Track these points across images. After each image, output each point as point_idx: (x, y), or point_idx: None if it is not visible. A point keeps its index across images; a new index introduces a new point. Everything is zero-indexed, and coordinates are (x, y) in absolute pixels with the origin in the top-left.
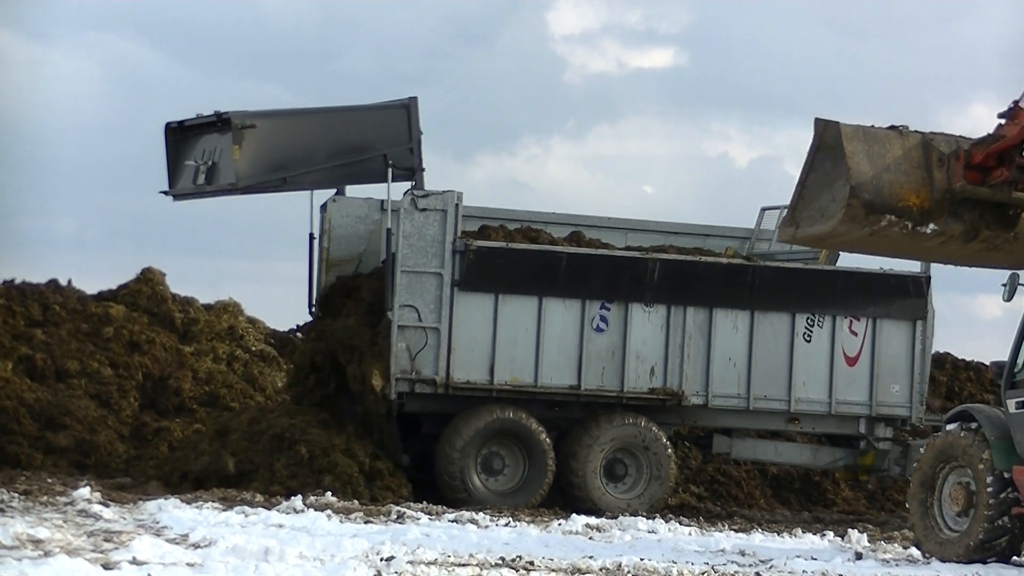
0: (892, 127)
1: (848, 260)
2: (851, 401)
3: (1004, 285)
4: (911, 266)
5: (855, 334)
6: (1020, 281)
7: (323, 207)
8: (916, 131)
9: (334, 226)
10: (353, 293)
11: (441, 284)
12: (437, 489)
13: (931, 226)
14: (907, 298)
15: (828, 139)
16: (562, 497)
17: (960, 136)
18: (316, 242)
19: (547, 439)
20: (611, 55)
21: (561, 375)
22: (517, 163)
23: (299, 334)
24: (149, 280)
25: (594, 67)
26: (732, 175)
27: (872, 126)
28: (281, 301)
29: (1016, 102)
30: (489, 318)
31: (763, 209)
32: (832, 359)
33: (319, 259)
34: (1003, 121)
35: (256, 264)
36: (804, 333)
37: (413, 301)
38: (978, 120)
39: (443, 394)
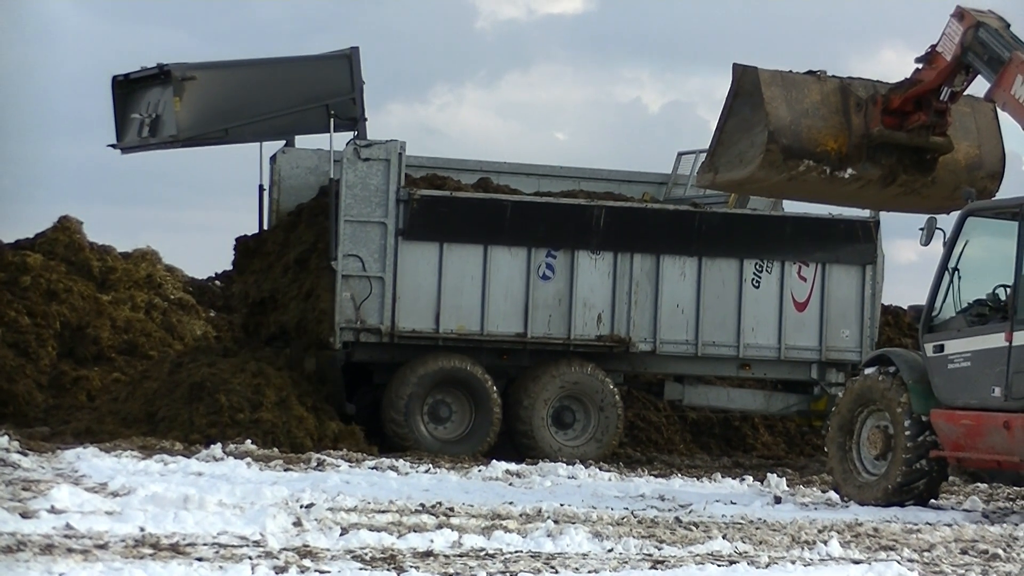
0: (810, 72)
1: (796, 206)
2: (801, 346)
3: (922, 229)
4: (860, 211)
5: (804, 279)
6: (937, 225)
7: (272, 158)
8: (834, 76)
9: (284, 177)
10: (259, 248)
11: (385, 233)
12: (385, 438)
13: (849, 171)
14: (856, 243)
15: (746, 84)
16: (510, 445)
17: (878, 81)
18: (266, 194)
19: (494, 387)
20: (521, 2)
21: (508, 323)
22: (430, 111)
23: (218, 282)
24: (66, 229)
25: (505, 14)
26: (645, 121)
27: (790, 71)
28: (199, 249)
29: (933, 47)
30: (434, 267)
31: (680, 154)
32: (781, 305)
33: (269, 211)
34: (920, 66)
35: (173, 212)
36: (752, 279)
37: (357, 251)
38: (888, 66)
39: (389, 343)
